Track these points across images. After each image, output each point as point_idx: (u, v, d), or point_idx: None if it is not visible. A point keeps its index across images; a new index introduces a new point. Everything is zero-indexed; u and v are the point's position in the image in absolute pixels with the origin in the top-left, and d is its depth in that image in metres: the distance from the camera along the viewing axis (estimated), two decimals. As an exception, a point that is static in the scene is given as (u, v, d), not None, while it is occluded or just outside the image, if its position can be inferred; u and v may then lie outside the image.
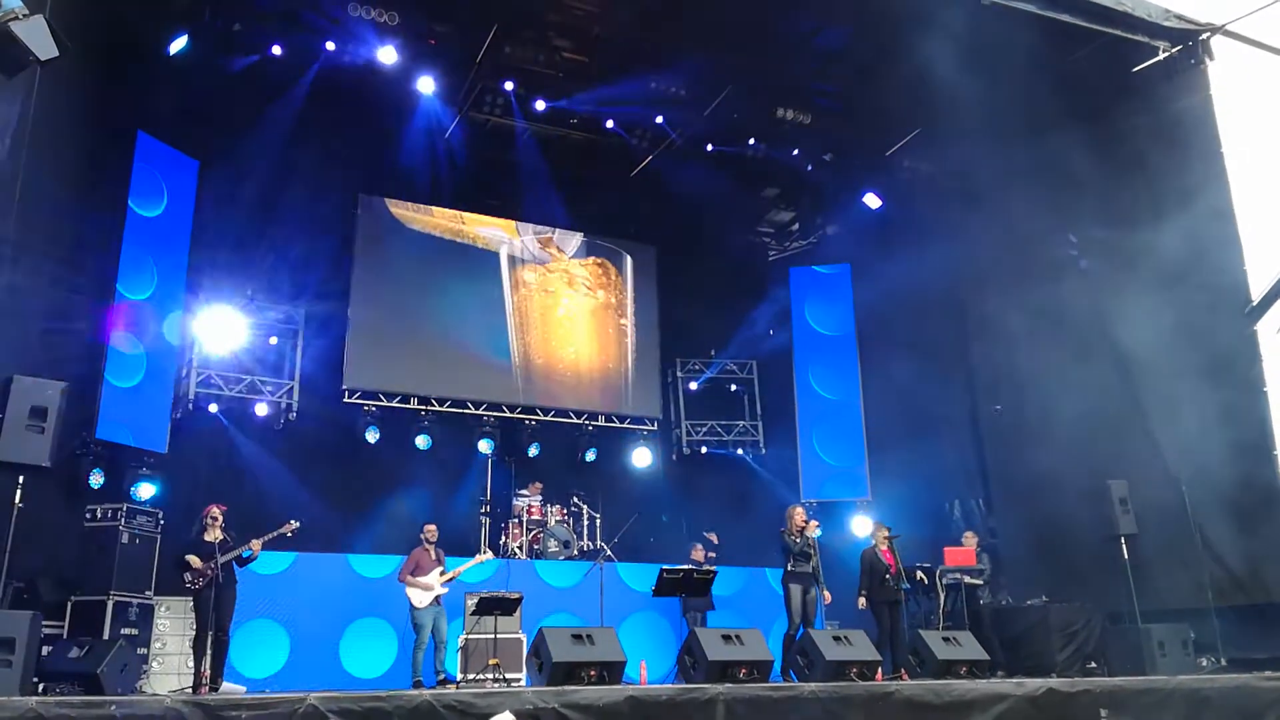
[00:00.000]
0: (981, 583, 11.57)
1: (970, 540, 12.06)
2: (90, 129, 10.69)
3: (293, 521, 9.23)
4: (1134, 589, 10.42)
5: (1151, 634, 9.97)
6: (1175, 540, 10.63)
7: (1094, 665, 10.80)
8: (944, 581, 11.41)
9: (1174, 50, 11.33)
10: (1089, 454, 11.80)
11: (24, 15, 6.09)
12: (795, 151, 14.26)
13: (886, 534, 10.78)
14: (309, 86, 12.06)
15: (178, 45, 11.21)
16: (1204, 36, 11.23)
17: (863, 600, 10.59)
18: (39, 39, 6.19)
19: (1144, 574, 10.63)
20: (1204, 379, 10.60)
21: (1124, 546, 10.64)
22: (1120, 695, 7.98)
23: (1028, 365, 13.04)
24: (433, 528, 10.44)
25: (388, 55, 11.73)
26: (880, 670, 8.81)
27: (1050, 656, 10.74)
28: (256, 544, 9.10)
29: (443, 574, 10.12)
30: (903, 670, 9.58)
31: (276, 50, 11.54)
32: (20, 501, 7.33)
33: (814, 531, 10.15)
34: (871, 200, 15.13)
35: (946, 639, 9.24)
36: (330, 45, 11.55)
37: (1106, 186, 11.82)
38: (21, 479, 7.36)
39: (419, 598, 9.97)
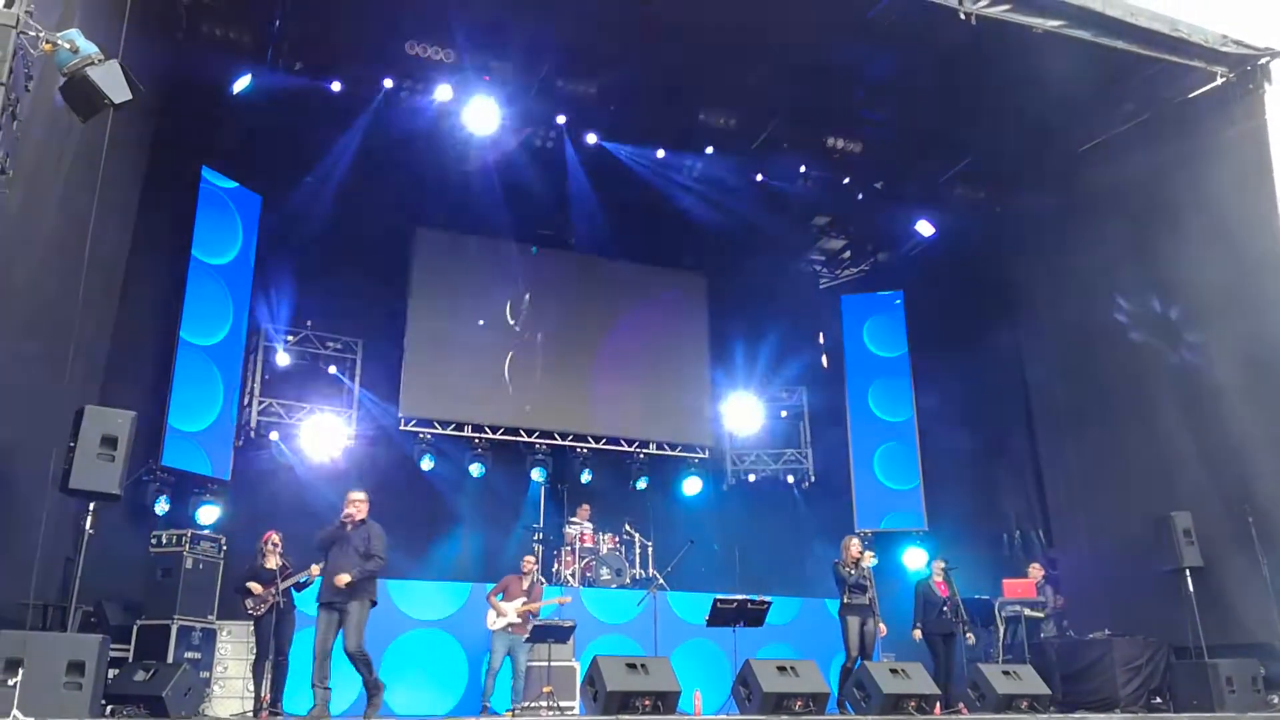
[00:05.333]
0: (1043, 615, 11.36)
1: (1036, 572, 11.85)
2: (156, 166, 11.02)
3: (314, 566, 9.35)
4: (1200, 622, 10.17)
5: (1219, 669, 9.71)
6: (1242, 572, 10.36)
7: (1159, 701, 10.55)
8: (1003, 614, 11.23)
9: (1231, 76, 11.18)
10: (1152, 484, 11.58)
11: (100, 60, 6.31)
12: (846, 180, 14.24)
13: (943, 566, 10.71)
14: (367, 122, 12.35)
15: (241, 84, 11.56)
16: (1263, 61, 11.06)
17: (918, 632, 10.47)
18: (113, 83, 6.38)
19: (1210, 607, 10.37)
20: (1266, 408, 10.38)
21: (1189, 579, 10.40)
22: (1187, 732, 7.80)
23: (1086, 392, 12.84)
24: (529, 559, 10.64)
25: (444, 91, 11.99)
26: (938, 704, 8.70)
27: (1114, 691, 10.50)
28: (315, 569, 9.23)
29: (525, 604, 10.20)
30: (961, 704, 9.44)
31: (336, 87, 11.84)
32: (91, 528, 7.51)
33: (869, 562, 10.06)
34: (924, 227, 15.06)
35: (1006, 673, 9.10)
36: (389, 82, 11.83)
37: (1156, 213, 11.66)
38: (92, 506, 7.55)
39: (491, 619, 10.12)
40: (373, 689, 7.76)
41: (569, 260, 15.70)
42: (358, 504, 7.95)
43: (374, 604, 7.93)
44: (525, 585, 10.30)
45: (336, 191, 13.11)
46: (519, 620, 10.10)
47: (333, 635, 7.70)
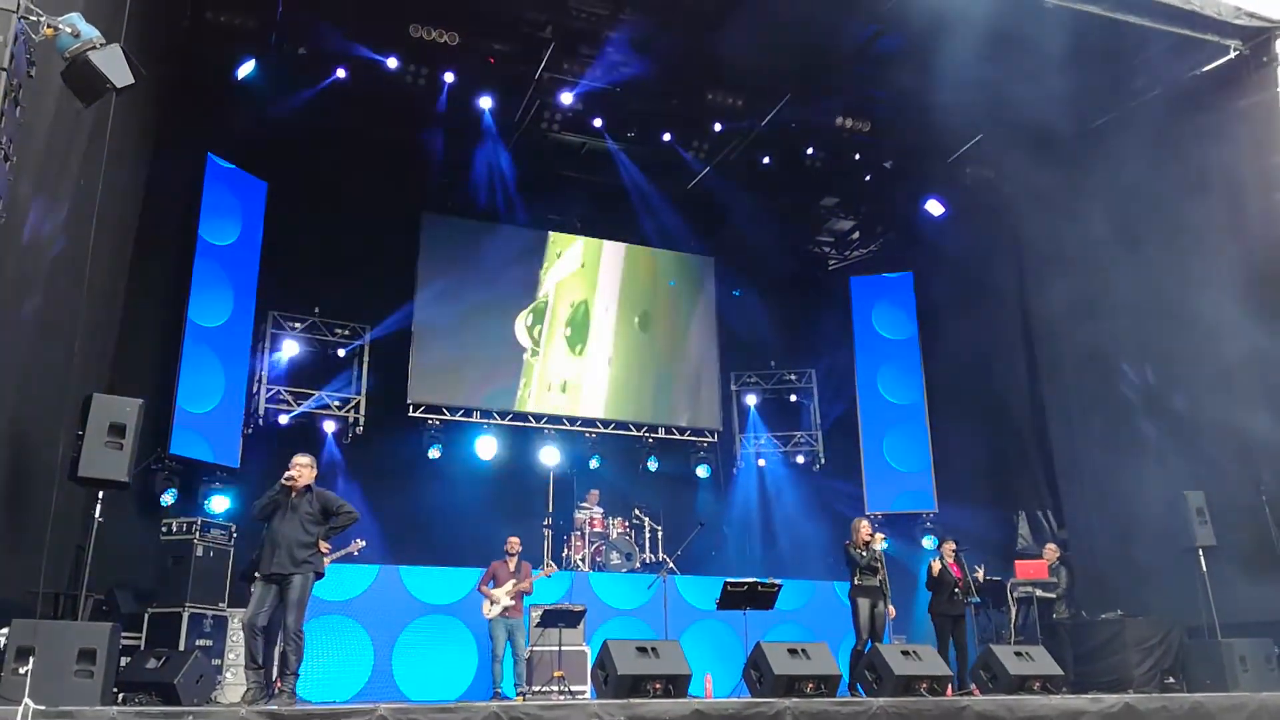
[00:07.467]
0: (1056, 596, 11.32)
1: (1051, 553, 11.81)
2: (162, 152, 10.98)
3: (359, 540, 9.34)
4: (1213, 602, 10.11)
5: (1233, 649, 9.66)
6: (1256, 551, 10.29)
7: (1173, 681, 10.50)
8: (1015, 595, 11.19)
9: (1244, 49, 11.04)
10: (1164, 463, 11.50)
11: (101, 44, 6.25)
12: (856, 158, 14.13)
13: (953, 547, 10.66)
14: (372, 106, 12.30)
15: (245, 70, 11.51)
16: (1279, 34, 10.92)
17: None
18: (115, 67, 6.30)
19: (1224, 587, 10.30)
20: (1277, 382, 10.29)
21: (1202, 558, 10.33)
22: (1201, 712, 7.75)
23: (1097, 371, 12.75)
24: (514, 540, 10.52)
25: (448, 75, 11.93)
26: (950, 686, 8.66)
27: (1127, 672, 10.47)
28: (359, 543, 9.20)
29: (515, 585, 10.18)
30: (973, 686, 9.40)
31: (340, 72, 11.80)
32: (100, 516, 7.51)
33: (880, 544, 10.02)
34: (934, 207, 14.95)
35: (1019, 654, 9.04)
36: (392, 64, 11.75)
37: (1168, 189, 11.54)
38: (101, 494, 7.54)
39: (485, 608, 10.09)
40: (293, 675, 7.10)
41: (577, 244, 15.64)
42: (303, 468, 7.33)
43: (319, 576, 7.36)
44: (512, 567, 10.27)
45: (343, 177, 13.09)
46: (513, 603, 10.09)
47: (267, 610, 7.16)
